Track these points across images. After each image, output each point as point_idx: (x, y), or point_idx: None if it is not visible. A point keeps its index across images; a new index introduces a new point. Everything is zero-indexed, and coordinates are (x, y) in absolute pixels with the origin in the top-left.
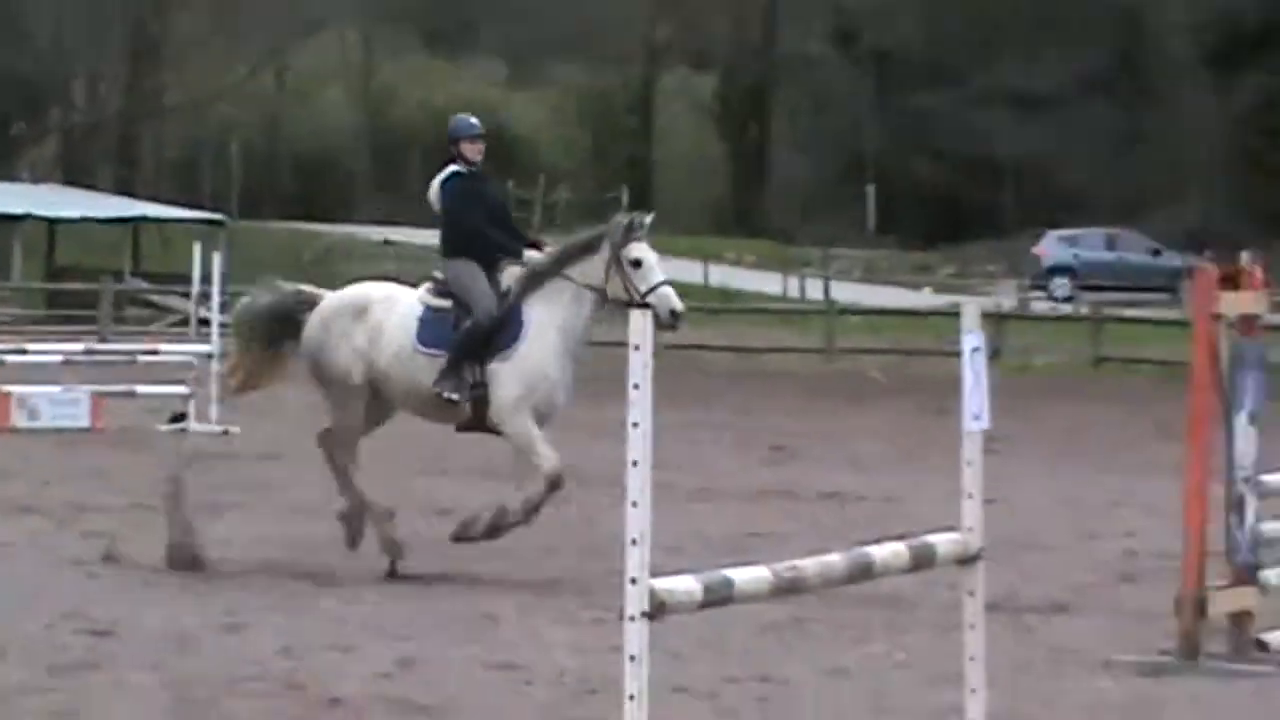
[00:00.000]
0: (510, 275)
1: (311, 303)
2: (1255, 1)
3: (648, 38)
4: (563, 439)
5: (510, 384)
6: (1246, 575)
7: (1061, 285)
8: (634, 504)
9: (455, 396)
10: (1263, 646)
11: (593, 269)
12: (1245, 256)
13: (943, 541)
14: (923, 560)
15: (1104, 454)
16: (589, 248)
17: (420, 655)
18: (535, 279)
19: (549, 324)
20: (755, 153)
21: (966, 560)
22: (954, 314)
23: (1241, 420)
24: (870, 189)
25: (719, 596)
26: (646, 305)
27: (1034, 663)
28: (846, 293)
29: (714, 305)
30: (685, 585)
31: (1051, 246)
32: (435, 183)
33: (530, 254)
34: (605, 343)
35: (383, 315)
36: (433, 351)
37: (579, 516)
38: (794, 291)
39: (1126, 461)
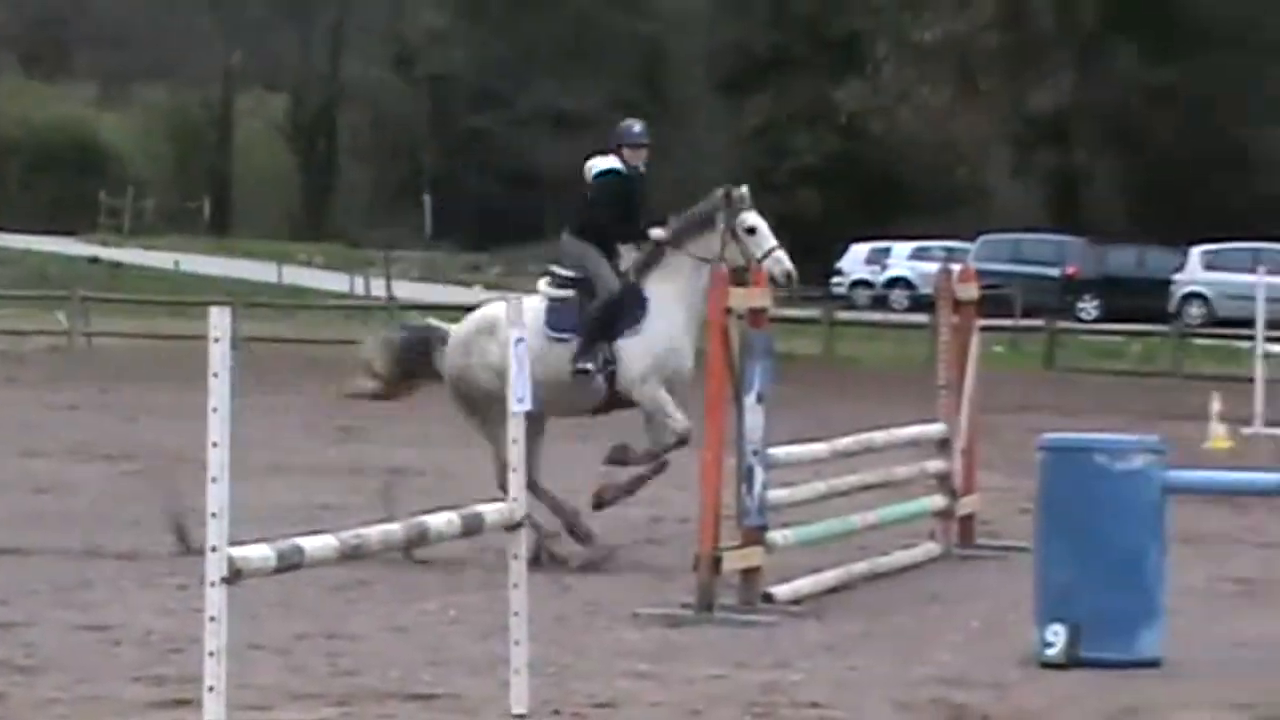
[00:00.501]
0: (628, 258)
1: (444, 337)
2: (762, 34)
3: (225, 63)
4: (149, 422)
5: (639, 358)
6: (755, 536)
7: None
8: (214, 480)
9: (589, 366)
10: (769, 598)
11: (709, 243)
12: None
13: (490, 510)
14: (472, 527)
15: (632, 431)
16: (704, 224)
17: (18, 619)
18: (654, 257)
19: (672, 298)
20: (324, 166)
21: (511, 527)
22: None
23: (751, 401)
24: (427, 198)
25: (290, 562)
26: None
27: (571, 616)
28: (406, 290)
29: (287, 302)
30: (260, 553)
31: None
32: (593, 165)
33: (653, 231)
34: (195, 336)
35: None
36: (563, 335)
37: (167, 491)
38: (360, 289)
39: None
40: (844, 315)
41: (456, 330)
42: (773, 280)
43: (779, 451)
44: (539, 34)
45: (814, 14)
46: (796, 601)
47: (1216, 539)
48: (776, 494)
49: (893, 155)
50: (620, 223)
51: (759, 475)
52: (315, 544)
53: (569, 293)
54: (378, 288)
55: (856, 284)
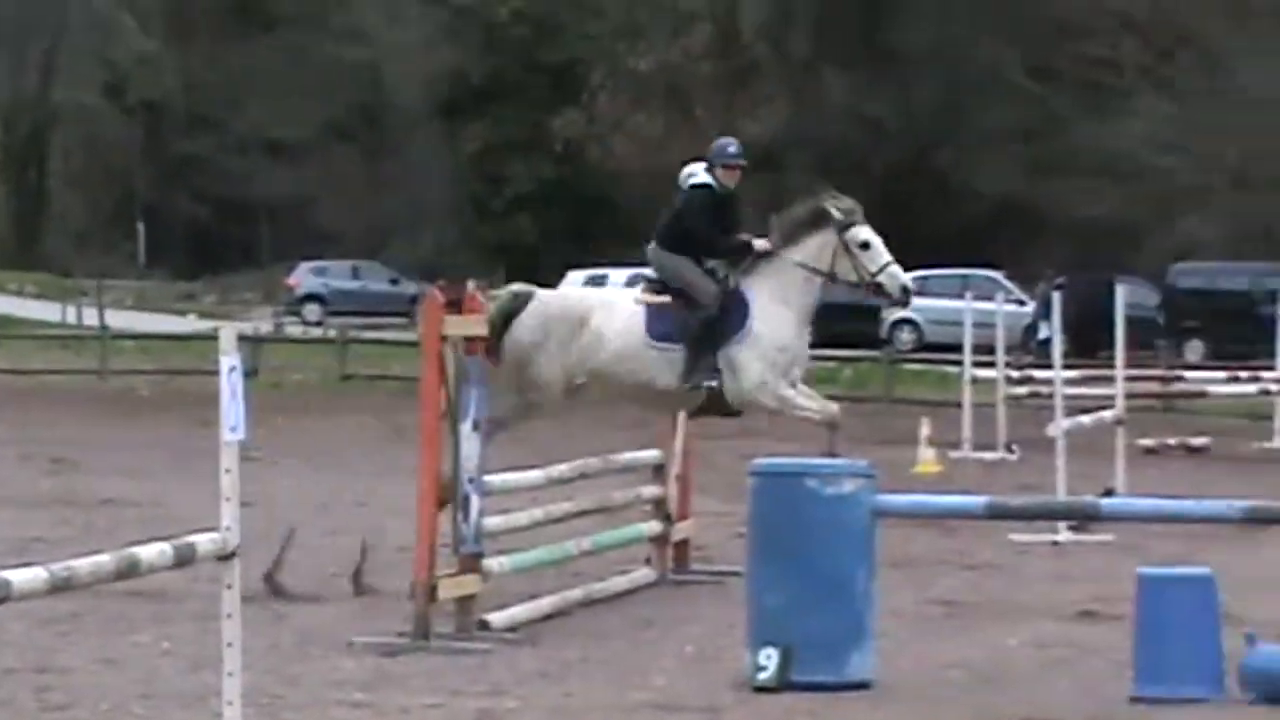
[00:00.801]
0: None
1: (528, 298)
2: (478, 61)
3: None
4: None
5: (751, 364)
6: (471, 564)
7: (313, 311)
8: None
9: (714, 383)
10: (485, 626)
11: (821, 253)
12: (471, 284)
13: (203, 540)
14: (185, 557)
15: (350, 460)
16: (808, 227)
17: None
18: (756, 262)
19: (779, 301)
20: (35, 193)
21: (225, 557)
22: (214, 338)
23: (466, 428)
24: (140, 226)
25: None
26: (879, 285)
27: (285, 646)
28: (120, 320)
29: None
30: None
31: (303, 276)
32: (687, 175)
33: (757, 242)
34: None
35: (603, 321)
36: (664, 345)
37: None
38: (72, 319)
39: (370, 466)
40: None
41: (545, 303)
42: (888, 296)
43: (495, 479)
44: (251, 60)
45: (530, 41)
46: (512, 629)
47: (924, 562)
48: (492, 521)
49: (608, 182)
50: (711, 236)
51: (475, 502)
52: (23, 576)
53: (666, 298)
54: (90, 317)
55: None
